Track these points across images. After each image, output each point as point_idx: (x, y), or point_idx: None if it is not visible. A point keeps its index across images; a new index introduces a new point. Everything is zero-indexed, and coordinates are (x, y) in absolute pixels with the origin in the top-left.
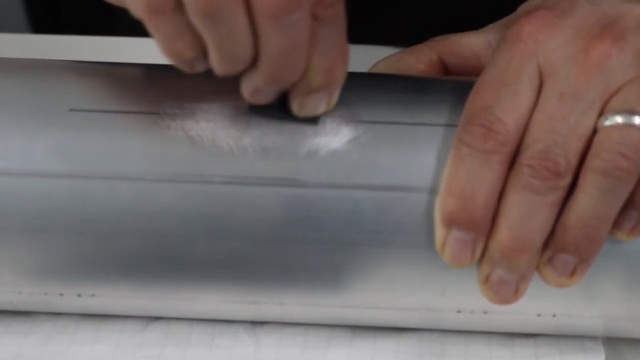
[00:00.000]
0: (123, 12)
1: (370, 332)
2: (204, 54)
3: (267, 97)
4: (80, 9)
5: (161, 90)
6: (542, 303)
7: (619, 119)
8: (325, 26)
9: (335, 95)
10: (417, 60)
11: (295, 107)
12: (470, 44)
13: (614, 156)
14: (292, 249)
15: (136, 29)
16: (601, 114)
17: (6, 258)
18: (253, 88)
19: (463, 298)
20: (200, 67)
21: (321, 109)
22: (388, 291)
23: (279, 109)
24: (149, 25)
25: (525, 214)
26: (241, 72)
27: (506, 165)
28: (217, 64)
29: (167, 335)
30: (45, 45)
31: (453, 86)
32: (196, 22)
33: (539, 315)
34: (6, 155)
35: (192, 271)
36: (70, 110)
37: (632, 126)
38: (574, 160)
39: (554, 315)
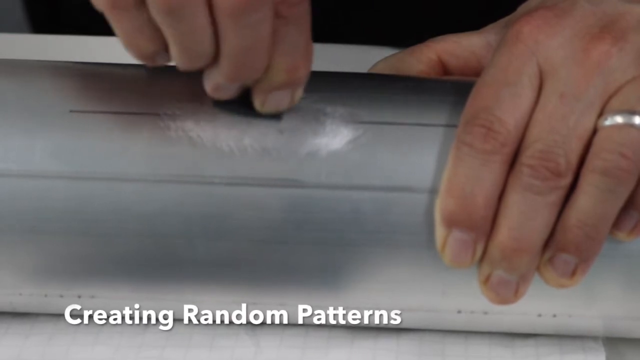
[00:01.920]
0: None
1: (371, 333)
2: (165, 48)
3: (229, 93)
4: (80, 9)
5: (161, 91)
6: (543, 303)
7: (619, 119)
8: (289, 25)
9: (299, 93)
10: (416, 60)
11: (257, 103)
12: (470, 44)
13: (614, 156)
14: (292, 250)
15: None
16: (601, 113)
17: (6, 259)
18: (214, 84)
19: (463, 298)
20: (161, 61)
21: (283, 106)
22: (388, 291)
23: (245, 105)
24: (111, 20)
25: (525, 214)
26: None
27: (506, 166)
28: (178, 60)
29: (167, 336)
30: (45, 45)
31: (453, 86)
32: (157, 19)
33: (540, 315)
34: (6, 157)
35: (192, 272)
36: (71, 111)
37: (632, 126)
38: (574, 160)
39: (555, 316)
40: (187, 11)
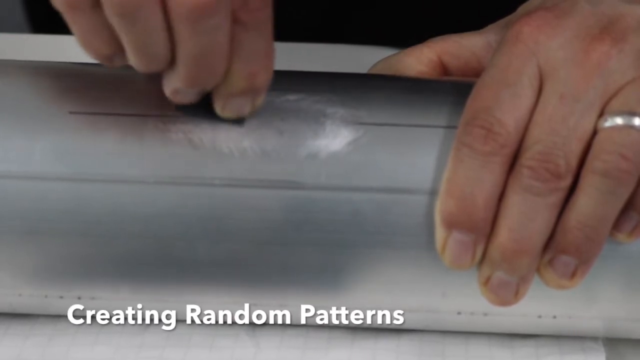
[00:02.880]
0: None
1: (371, 333)
2: (122, 50)
3: (188, 97)
4: None
5: (161, 93)
6: (543, 304)
7: (619, 120)
8: (248, 31)
9: (260, 98)
10: (416, 60)
11: (218, 108)
12: (470, 44)
13: (614, 157)
14: (292, 251)
15: None
16: (601, 115)
17: (6, 260)
18: (173, 88)
19: (463, 300)
20: (118, 63)
21: (245, 111)
22: (388, 293)
23: (208, 108)
24: (67, 20)
25: (525, 216)
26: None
27: (506, 167)
28: (134, 63)
29: (167, 336)
30: (45, 45)
31: (453, 87)
32: (112, 21)
33: (540, 316)
34: (6, 158)
35: (193, 273)
36: (70, 112)
37: (632, 127)
38: (574, 162)
39: (555, 317)
40: (142, 14)
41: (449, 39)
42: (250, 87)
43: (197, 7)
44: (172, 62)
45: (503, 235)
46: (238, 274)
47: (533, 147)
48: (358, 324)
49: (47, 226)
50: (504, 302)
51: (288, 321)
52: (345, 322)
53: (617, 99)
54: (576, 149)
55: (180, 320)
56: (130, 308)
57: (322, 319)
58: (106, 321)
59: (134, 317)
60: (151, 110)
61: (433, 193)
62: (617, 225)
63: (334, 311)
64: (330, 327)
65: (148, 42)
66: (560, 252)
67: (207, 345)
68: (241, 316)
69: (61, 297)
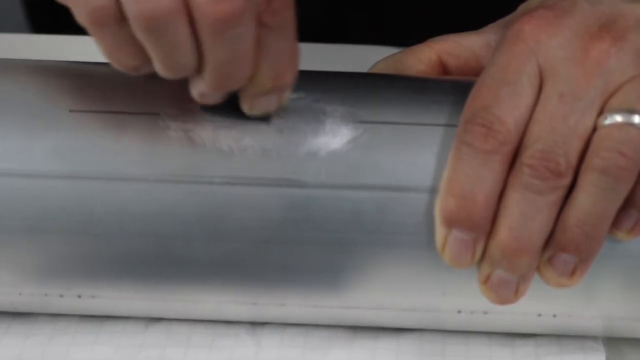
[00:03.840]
0: None
1: (371, 332)
2: (148, 61)
3: (215, 99)
4: None
5: (161, 91)
6: (543, 303)
7: (618, 118)
8: (273, 33)
9: (287, 96)
10: (416, 60)
11: (246, 107)
12: (470, 44)
13: (613, 155)
14: (292, 250)
15: None
16: (601, 113)
17: (6, 259)
18: (200, 92)
19: (463, 298)
20: (144, 71)
21: (271, 109)
22: (388, 291)
23: (234, 108)
24: (93, 35)
25: (525, 214)
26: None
27: (506, 165)
28: (161, 71)
29: (167, 336)
30: (45, 45)
31: (453, 86)
32: (138, 34)
33: (540, 315)
34: (6, 157)
35: (193, 272)
36: (70, 111)
37: (632, 125)
38: (574, 160)
39: (555, 316)
40: (169, 27)
41: (449, 38)
42: (277, 87)
43: (223, 17)
44: (198, 68)
45: (503, 233)
46: (238, 272)
47: (533, 146)
48: (358, 323)
49: (47, 224)
50: (503, 301)
51: (288, 320)
52: (345, 321)
53: (617, 97)
54: (576, 147)
55: (180, 320)
56: (130, 307)
57: (322, 318)
58: (106, 320)
59: (133, 317)
60: (152, 108)
61: (433, 191)
62: (616, 223)
63: (334, 310)
64: (330, 326)
65: (175, 53)
66: (560, 250)
67: (207, 345)
68: (241, 315)
69: (61, 296)
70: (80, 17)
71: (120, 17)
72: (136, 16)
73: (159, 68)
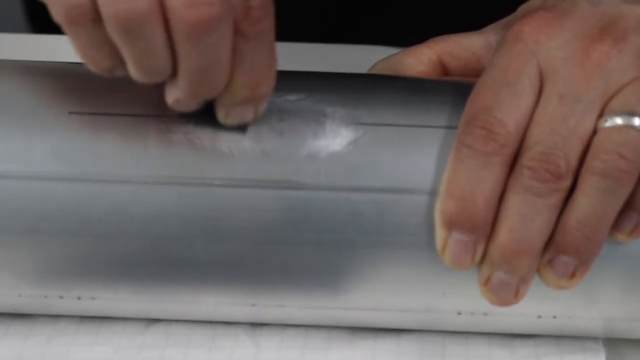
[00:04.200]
0: None
1: (371, 333)
2: (122, 62)
3: (190, 107)
4: None
5: (161, 93)
6: (543, 305)
7: (618, 120)
8: (250, 42)
9: (263, 105)
10: (416, 61)
11: (221, 116)
12: (470, 44)
13: (613, 157)
14: (292, 251)
15: None
16: (601, 115)
17: (6, 261)
18: (174, 98)
19: (463, 300)
20: (119, 74)
21: (248, 118)
22: (388, 293)
23: (210, 114)
24: (68, 33)
25: (525, 216)
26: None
27: (506, 167)
28: (135, 75)
29: (167, 336)
30: (45, 45)
31: (453, 87)
32: (113, 36)
33: (540, 316)
34: (6, 158)
35: (192, 273)
36: (70, 113)
37: (632, 127)
38: (574, 162)
39: (555, 317)
40: (144, 29)
41: (448, 39)
42: (253, 97)
43: (199, 23)
44: (173, 73)
45: (503, 235)
46: (238, 273)
47: (533, 148)
48: (358, 324)
49: (47, 226)
50: (504, 303)
51: (288, 321)
52: (344, 322)
53: (617, 99)
54: (576, 149)
55: (180, 320)
56: (130, 308)
57: (321, 319)
58: (106, 321)
59: (133, 318)
60: (151, 110)
61: (433, 193)
62: (616, 225)
63: (333, 311)
64: (329, 327)
65: (149, 56)
66: (560, 252)
67: (207, 345)
68: (241, 316)
69: (61, 297)
70: (56, 15)
71: (96, 17)
72: (111, 17)
73: (133, 71)
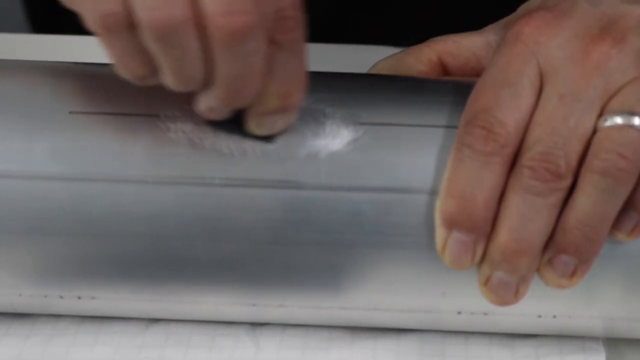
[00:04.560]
0: None
1: (371, 333)
2: (156, 71)
3: (222, 114)
4: None
5: (161, 92)
6: (543, 304)
7: (618, 120)
8: (283, 52)
9: (293, 115)
10: (416, 60)
11: (252, 126)
12: (470, 44)
13: (613, 156)
14: (292, 251)
15: None
16: (601, 114)
17: (6, 260)
18: (208, 106)
19: (463, 299)
20: (151, 83)
21: (278, 128)
22: (388, 293)
23: (238, 123)
24: (102, 41)
25: (525, 216)
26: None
27: (506, 167)
28: (170, 83)
29: (167, 336)
30: (45, 45)
31: (453, 87)
32: (149, 44)
33: (540, 316)
34: (6, 158)
35: (193, 273)
36: (70, 112)
37: (632, 127)
38: (574, 162)
39: (555, 316)
40: (180, 38)
41: (448, 39)
42: (285, 106)
43: (235, 31)
44: (207, 82)
45: (503, 235)
46: (238, 273)
47: (533, 148)
48: (358, 324)
49: (47, 226)
50: (504, 302)
51: (288, 321)
52: (344, 322)
53: (617, 98)
54: (576, 148)
55: (180, 320)
56: (130, 308)
57: (321, 319)
58: (106, 321)
59: (133, 317)
60: (151, 110)
61: (433, 193)
62: (616, 224)
63: (333, 311)
64: (330, 327)
65: (185, 64)
66: (559, 251)
67: (207, 345)
68: (241, 316)
69: (61, 297)
70: (90, 22)
71: (131, 25)
72: (147, 24)
73: (168, 79)
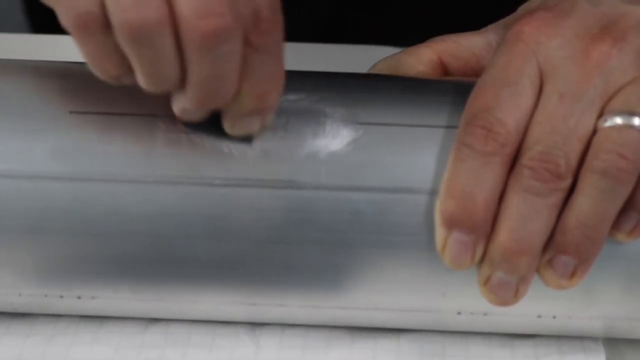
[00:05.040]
0: None
1: (371, 333)
2: (130, 70)
3: (196, 116)
4: None
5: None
6: (543, 304)
7: (618, 120)
8: (259, 54)
9: (270, 116)
10: (416, 61)
11: (227, 127)
12: (470, 44)
13: (613, 157)
14: (292, 251)
15: None
16: (601, 114)
17: (6, 260)
18: (182, 108)
19: (463, 299)
20: (126, 82)
21: (254, 129)
22: (388, 292)
23: (215, 126)
24: (76, 40)
25: (525, 216)
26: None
27: (507, 167)
28: (143, 84)
29: (167, 336)
30: (45, 45)
31: (453, 87)
32: (123, 44)
33: (539, 316)
34: (6, 158)
35: (192, 273)
36: (70, 112)
37: (632, 127)
38: (574, 162)
39: (554, 317)
40: (154, 39)
41: (449, 39)
42: (261, 107)
43: (209, 33)
44: (181, 82)
45: (503, 235)
46: (238, 273)
47: (533, 147)
48: (357, 324)
49: (47, 226)
50: (503, 302)
51: (287, 321)
52: (344, 321)
53: (617, 98)
54: (576, 148)
55: (180, 320)
56: (130, 308)
57: (321, 319)
58: (106, 320)
59: (133, 317)
60: (151, 110)
61: (433, 193)
62: (616, 224)
63: (333, 311)
64: (330, 327)
65: (158, 65)
66: (559, 252)
67: (207, 345)
68: (241, 315)
69: (61, 297)
70: (65, 20)
71: (106, 24)
72: (121, 25)
73: (141, 80)
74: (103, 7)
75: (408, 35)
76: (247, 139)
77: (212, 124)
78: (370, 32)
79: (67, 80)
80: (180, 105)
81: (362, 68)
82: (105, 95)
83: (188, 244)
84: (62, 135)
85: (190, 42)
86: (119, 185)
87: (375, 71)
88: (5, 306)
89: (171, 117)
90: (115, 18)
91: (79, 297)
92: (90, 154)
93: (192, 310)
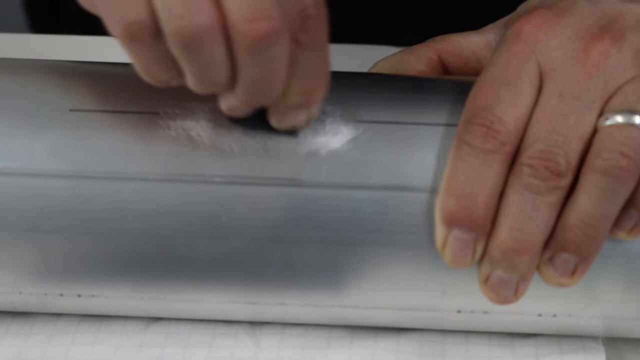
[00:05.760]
0: None
1: (371, 332)
2: (180, 74)
3: (244, 113)
4: (80, 9)
5: (161, 90)
6: (543, 303)
7: (619, 119)
8: (306, 50)
9: (316, 110)
10: (417, 60)
11: (274, 121)
12: (470, 43)
13: (614, 155)
14: (292, 249)
15: None
16: (601, 113)
17: (6, 258)
18: (230, 105)
19: (463, 298)
20: (175, 84)
21: (299, 123)
22: (388, 290)
23: (260, 118)
24: (126, 48)
25: (525, 214)
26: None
27: (506, 165)
28: (194, 87)
29: (167, 336)
30: (45, 45)
31: (453, 86)
32: (174, 51)
33: (540, 315)
34: (6, 156)
35: (193, 271)
36: (70, 110)
37: (633, 125)
38: (574, 160)
39: (555, 315)
40: (205, 44)
41: (449, 38)
42: (307, 103)
43: (260, 37)
44: (231, 83)
45: (503, 233)
46: (238, 271)
47: (533, 146)
48: (358, 323)
49: (47, 224)
50: (503, 300)
51: (288, 320)
52: (344, 320)
53: (617, 97)
54: (576, 147)
55: (180, 320)
56: (130, 306)
57: (321, 318)
58: (106, 320)
59: (133, 316)
60: (151, 107)
61: (433, 191)
62: (617, 223)
63: (333, 309)
64: (330, 326)
65: (209, 69)
66: (560, 250)
67: (207, 345)
68: (241, 314)
69: (61, 295)
70: (115, 30)
71: (156, 32)
72: (173, 33)
73: (192, 83)
74: (153, 15)
75: (408, 35)
76: (292, 133)
77: (211, 120)
78: (370, 32)
79: (67, 78)
80: (228, 103)
81: (362, 68)
82: (106, 93)
83: (188, 241)
84: (63, 133)
85: (240, 45)
86: (119, 183)
87: (375, 70)
88: (5, 304)
89: (171, 115)
90: (167, 26)
91: (79, 296)
92: (90, 151)
93: (193, 308)
